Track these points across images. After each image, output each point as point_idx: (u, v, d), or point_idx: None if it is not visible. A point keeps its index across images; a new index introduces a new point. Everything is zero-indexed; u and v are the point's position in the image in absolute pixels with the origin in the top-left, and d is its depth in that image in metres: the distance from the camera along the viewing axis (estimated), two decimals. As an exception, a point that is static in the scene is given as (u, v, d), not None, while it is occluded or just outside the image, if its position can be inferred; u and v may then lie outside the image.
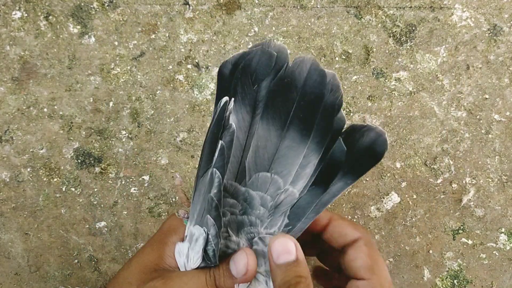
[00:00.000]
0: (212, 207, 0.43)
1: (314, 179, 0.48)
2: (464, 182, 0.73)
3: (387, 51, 0.74)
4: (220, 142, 0.41)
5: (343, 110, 0.74)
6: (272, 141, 0.47)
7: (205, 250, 0.45)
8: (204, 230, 0.45)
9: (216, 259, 0.45)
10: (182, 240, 0.50)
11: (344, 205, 0.75)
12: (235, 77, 0.46)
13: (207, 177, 0.43)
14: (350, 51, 0.74)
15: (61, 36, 0.75)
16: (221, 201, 0.43)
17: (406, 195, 0.74)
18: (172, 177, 0.73)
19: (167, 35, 0.75)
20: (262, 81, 0.46)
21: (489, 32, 0.73)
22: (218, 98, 0.47)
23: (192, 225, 0.48)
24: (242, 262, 0.45)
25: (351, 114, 0.74)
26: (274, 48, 0.46)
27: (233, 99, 0.42)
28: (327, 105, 0.46)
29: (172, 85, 0.74)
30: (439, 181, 0.74)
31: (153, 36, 0.75)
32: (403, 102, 0.74)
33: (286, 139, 0.47)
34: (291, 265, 0.44)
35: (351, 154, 0.47)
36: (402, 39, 0.74)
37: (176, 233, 0.51)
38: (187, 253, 0.47)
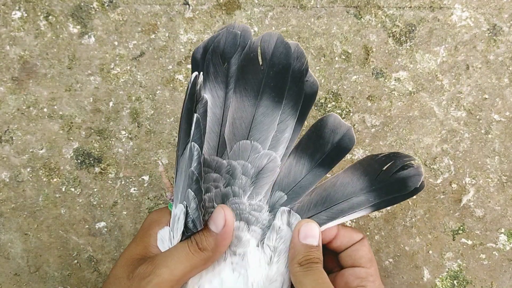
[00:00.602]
0: (193, 180, 0.44)
1: (320, 161, 0.52)
2: (463, 182, 0.73)
3: (386, 51, 0.74)
4: (195, 115, 0.43)
5: (343, 111, 0.74)
6: (247, 110, 0.50)
7: (186, 226, 0.47)
8: (184, 205, 0.46)
9: (197, 228, 0.47)
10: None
11: (343, 205, 0.75)
12: (206, 59, 0.49)
13: (187, 153, 0.44)
14: (350, 51, 0.74)
15: (61, 36, 0.75)
16: (202, 174, 0.44)
17: (406, 195, 0.74)
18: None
19: (167, 35, 0.75)
20: (230, 59, 0.50)
21: (488, 32, 0.73)
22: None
23: (175, 208, 0.49)
24: (219, 215, 0.47)
25: (351, 114, 0.74)
26: (238, 28, 0.50)
27: (202, 73, 0.44)
28: (294, 71, 0.49)
29: (172, 85, 0.74)
30: (438, 181, 0.74)
31: (153, 36, 0.75)
32: (403, 102, 0.74)
33: (261, 107, 0.50)
34: (313, 248, 0.48)
35: (386, 178, 0.51)
36: (401, 39, 0.74)
37: (158, 224, 0.52)
38: (169, 236, 0.49)
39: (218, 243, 0.47)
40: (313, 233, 0.48)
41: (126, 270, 0.49)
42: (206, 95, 0.48)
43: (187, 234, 0.48)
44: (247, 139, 0.50)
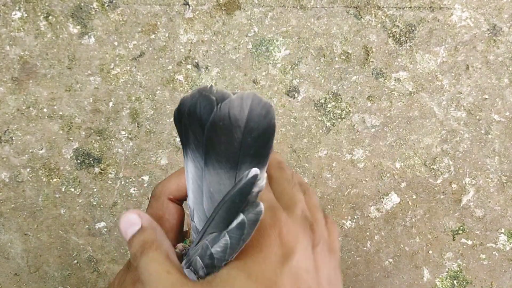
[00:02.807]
0: (206, 256, 0.41)
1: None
2: (463, 182, 0.73)
3: (386, 51, 0.74)
4: (243, 218, 0.39)
5: (343, 111, 0.74)
6: (225, 183, 0.45)
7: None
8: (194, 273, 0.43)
9: None
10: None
11: (343, 206, 0.75)
12: (184, 125, 0.44)
13: (217, 239, 0.41)
14: (350, 51, 0.74)
15: (61, 36, 0.75)
16: (221, 264, 0.42)
17: (406, 196, 0.74)
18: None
19: (167, 35, 0.75)
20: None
21: (488, 32, 0.73)
22: (183, 145, 0.46)
23: (184, 267, 0.46)
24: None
25: (351, 114, 0.74)
26: (214, 94, 0.42)
27: (265, 175, 0.39)
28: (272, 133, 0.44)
29: (171, 85, 0.74)
30: (438, 181, 0.74)
31: (153, 36, 0.75)
32: (403, 102, 0.74)
33: None
34: (136, 236, 0.42)
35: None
36: (401, 39, 0.74)
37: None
38: None
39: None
40: (130, 222, 0.43)
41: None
42: (189, 165, 0.45)
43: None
44: None
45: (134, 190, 0.74)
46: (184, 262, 0.45)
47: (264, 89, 0.74)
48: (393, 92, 0.74)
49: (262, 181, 0.38)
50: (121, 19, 0.75)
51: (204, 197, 0.45)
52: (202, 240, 0.43)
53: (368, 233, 0.74)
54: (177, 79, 0.74)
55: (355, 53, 0.74)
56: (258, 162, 0.43)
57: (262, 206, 0.39)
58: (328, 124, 0.74)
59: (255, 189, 0.38)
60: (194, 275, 0.43)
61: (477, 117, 0.74)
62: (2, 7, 0.75)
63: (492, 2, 0.73)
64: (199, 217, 0.45)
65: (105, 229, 0.74)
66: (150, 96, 0.74)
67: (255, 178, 0.38)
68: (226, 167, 0.44)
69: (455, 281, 0.73)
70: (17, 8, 0.75)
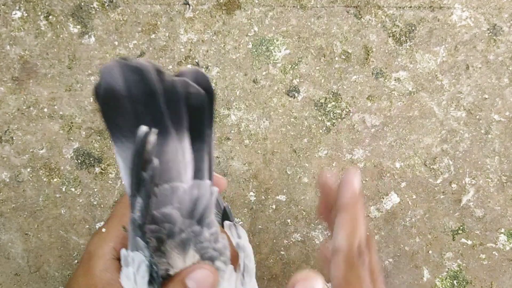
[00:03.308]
0: (136, 227, 0.41)
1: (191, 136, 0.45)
2: (463, 182, 0.73)
3: (386, 51, 0.74)
4: (143, 174, 0.39)
5: (343, 111, 0.74)
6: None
7: (151, 275, 0.43)
8: (142, 254, 0.43)
9: (159, 279, 0.43)
10: (109, 263, 0.47)
11: (343, 205, 0.75)
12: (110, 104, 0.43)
13: (135, 204, 0.41)
14: (350, 51, 0.74)
15: (61, 36, 0.75)
16: (145, 225, 0.41)
17: (406, 195, 0.74)
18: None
19: (167, 35, 0.75)
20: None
21: (488, 31, 0.73)
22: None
23: (130, 250, 0.45)
24: (207, 279, 0.42)
25: (351, 114, 0.74)
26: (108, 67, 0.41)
27: (155, 131, 0.38)
28: (168, 90, 0.43)
29: (172, 85, 0.75)
30: (438, 181, 0.74)
31: (153, 36, 0.75)
32: (403, 102, 0.74)
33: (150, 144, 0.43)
34: None
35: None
36: (401, 39, 0.74)
37: (98, 259, 0.47)
38: (134, 278, 0.46)
39: None
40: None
41: None
42: (116, 148, 0.42)
43: (152, 284, 0.43)
44: (161, 184, 0.45)
45: (134, 189, 0.74)
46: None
47: (264, 89, 0.75)
48: (393, 92, 0.74)
49: (153, 137, 0.38)
50: (121, 19, 0.75)
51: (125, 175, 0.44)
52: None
53: (368, 233, 0.74)
54: (177, 79, 0.75)
55: (355, 53, 0.74)
56: (154, 123, 0.41)
57: (156, 161, 0.38)
58: (328, 124, 0.74)
59: (148, 146, 0.37)
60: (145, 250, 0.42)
61: (477, 117, 0.74)
62: (2, 6, 0.75)
63: (492, 1, 0.73)
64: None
65: (106, 229, 0.74)
66: (150, 96, 0.74)
67: (145, 136, 0.37)
68: (131, 140, 0.42)
69: (455, 281, 0.73)
70: (17, 7, 0.75)
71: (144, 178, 0.38)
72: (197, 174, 0.45)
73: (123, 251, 0.45)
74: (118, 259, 0.46)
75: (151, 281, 0.43)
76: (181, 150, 0.44)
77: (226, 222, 0.51)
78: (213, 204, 0.46)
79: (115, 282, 0.45)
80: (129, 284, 0.45)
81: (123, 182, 0.43)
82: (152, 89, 0.40)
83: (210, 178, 0.46)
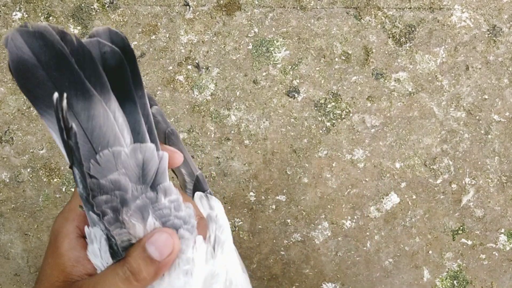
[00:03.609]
0: (85, 201, 0.40)
1: (119, 97, 0.44)
2: (463, 182, 0.73)
3: (386, 52, 0.74)
4: (69, 142, 0.37)
5: (343, 111, 0.74)
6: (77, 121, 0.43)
7: (111, 247, 0.42)
8: (99, 228, 0.42)
9: (120, 251, 0.42)
10: (75, 241, 0.46)
11: (343, 206, 0.75)
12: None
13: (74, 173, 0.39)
14: (350, 52, 0.74)
15: (61, 36, 0.75)
16: (89, 196, 0.40)
17: (406, 196, 0.74)
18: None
19: (167, 36, 0.75)
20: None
21: (488, 32, 0.74)
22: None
23: (91, 226, 0.44)
24: (166, 242, 0.41)
25: (351, 114, 0.74)
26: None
27: (65, 94, 0.36)
28: (78, 51, 0.41)
29: (172, 86, 0.75)
30: (438, 181, 0.74)
31: (153, 37, 0.75)
32: (403, 102, 0.74)
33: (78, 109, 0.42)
34: None
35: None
36: (401, 39, 0.74)
37: (65, 237, 0.46)
38: (100, 254, 0.44)
39: (158, 272, 0.42)
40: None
41: None
42: (47, 121, 0.41)
43: (115, 257, 0.43)
44: (101, 150, 0.43)
45: (134, 190, 0.74)
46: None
47: (265, 90, 0.75)
48: (393, 93, 0.74)
49: (64, 102, 0.36)
50: (121, 20, 0.75)
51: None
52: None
53: (368, 233, 0.74)
54: (177, 79, 0.75)
55: (355, 54, 0.74)
56: (73, 87, 0.40)
57: (73, 125, 0.36)
58: (328, 124, 0.74)
59: (63, 113, 0.36)
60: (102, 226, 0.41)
61: (477, 117, 0.74)
62: (3, 7, 0.75)
63: (492, 2, 0.73)
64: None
65: (106, 229, 0.74)
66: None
67: (58, 102, 0.36)
68: (50, 109, 0.41)
69: (455, 281, 0.73)
70: (17, 8, 0.75)
71: (71, 146, 0.37)
72: (137, 137, 0.44)
73: (86, 229, 0.44)
74: (84, 237, 0.45)
75: (113, 254, 0.42)
76: (110, 112, 0.42)
77: (197, 193, 0.50)
78: (165, 169, 0.44)
79: (82, 259, 0.45)
80: (97, 260, 0.45)
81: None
82: (59, 52, 0.39)
83: (153, 141, 0.44)
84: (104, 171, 0.42)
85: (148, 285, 0.42)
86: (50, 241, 0.46)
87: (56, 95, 0.35)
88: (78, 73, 0.40)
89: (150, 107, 0.45)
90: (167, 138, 0.50)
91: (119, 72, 0.42)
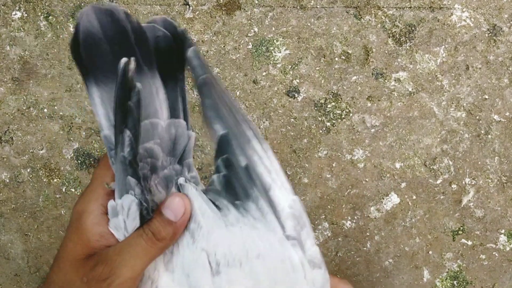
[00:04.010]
0: (126, 165, 0.43)
1: (164, 77, 0.49)
2: (463, 182, 0.73)
3: (386, 52, 0.74)
4: (128, 103, 0.41)
5: (343, 111, 0.74)
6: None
7: (141, 213, 0.46)
8: (132, 194, 0.45)
9: (150, 216, 0.46)
10: (99, 218, 0.49)
11: (343, 206, 0.75)
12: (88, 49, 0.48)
13: (123, 140, 0.43)
14: (350, 52, 0.74)
15: (61, 36, 0.75)
16: (136, 158, 0.43)
17: (406, 196, 0.74)
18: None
19: (166, 35, 0.75)
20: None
21: (488, 32, 0.73)
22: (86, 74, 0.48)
23: (119, 198, 0.48)
24: (179, 204, 0.46)
25: (351, 114, 0.74)
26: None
27: (133, 58, 0.41)
28: (136, 32, 0.46)
29: (171, 86, 0.75)
30: (438, 181, 0.74)
31: (153, 36, 0.75)
32: (403, 102, 0.74)
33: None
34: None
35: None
36: (401, 39, 0.74)
37: (89, 215, 0.50)
38: (125, 225, 0.48)
39: (176, 232, 0.47)
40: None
41: (75, 273, 0.47)
42: (94, 93, 0.47)
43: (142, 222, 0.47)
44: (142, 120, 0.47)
45: (134, 190, 0.74)
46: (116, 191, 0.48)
47: (264, 89, 0.75)
48: (393, 92, 0.74)
49: (133, 64, 0.40)
50: (121, 20, 0.75)
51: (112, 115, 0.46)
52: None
53: (368, 234, 0.74)
54: (177, 79, 0.75)
55: (355, 53, 0.74)
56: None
57: (139, 85, 0.41)
58: (328, 124, 0.74)
59: (129, 74, 0.40)
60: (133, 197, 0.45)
61: (477, 117, 0.74)
62: (2, 7, 0.75)
63: (492, 2, 0.73)
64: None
65: (105, 229, 0.74)
66: (150, 96, 0.74)
67: (126, 65, 0.40)
68: (112, 77, 0.45)
69: (455, 282, 0.73)
70: (17, 8, 0.75)
71: (131, 106, 0.40)
72: (173, 113, 0.49)
73: (110, 203, 0.47)
74: (107, 214, 0.48)
75: (141, 219, 0.46)
76: (154, 87, 0.47)
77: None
78: (191, 148, 0.49)
79: (106, 234, 0.48)
80: (119, 233, 0.47)
81: (103, 132, 0.46)
82: (123, 28, 0.44)
83: (186, 120, 0.49)
84: (143, 139, 0.46)
85: (170, 245, 0.47)
86: (72, 221, 0.49)
87: (125, 59, 0.39)
88: (134, 50, 0.45)
89: (188, 47, 0.48)
90: (199, 89, 0.51)
91: (168, 55, 0.48)
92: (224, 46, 0.74)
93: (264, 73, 0.75)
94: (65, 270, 0.47)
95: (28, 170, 0.75)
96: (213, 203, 0.48)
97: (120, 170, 0.45)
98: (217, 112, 0.47)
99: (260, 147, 0.50)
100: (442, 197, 0.74)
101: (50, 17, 0.75)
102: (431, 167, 0.74)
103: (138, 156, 0.46)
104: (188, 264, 0.47)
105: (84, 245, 0.48)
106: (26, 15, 0.75)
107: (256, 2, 0.74)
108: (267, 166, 0.49)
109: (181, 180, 0.49)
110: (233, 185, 0.48)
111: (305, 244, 0.48)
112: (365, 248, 0.75)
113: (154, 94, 0.48)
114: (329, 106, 0.74)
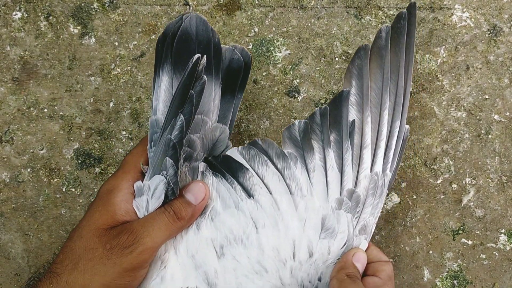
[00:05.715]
0: (170, 147, 0.48)
1: (225, 89, 0.58)
2: (464, 182, 0.74)
3: (387, 52, 0.74)
4: (191, 91, 0.47)
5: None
6: None
7: (166, 192, 0.51)
8: (163, 175, 0.50)
9: (175, 196, 0.52)
10: (127, 196, 0.54)
11: (344, 206, 0.75)
12: (167, 44, 0.57)
13: (174, 123, 0.49)
14: (350, 52, 0.74)
15: (61, 36, 0.75)
16: (182, 143, 0.49)
17: (406, 196, 0.74)
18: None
19: (167, 35, 0.75)
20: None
21: (489, 32, 0.73)
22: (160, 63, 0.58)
23: (148, 180, 0.52)
24: (200, 189, 0.52)
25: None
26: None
27: (205, 55, 0.49)
28: (216, 45, 0.56)
29: (172, 86, 0.75)
30: (439, 181, 0.74)
31: (153, 36, 0.75)
32: (403, 102, 0.74)
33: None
34: (359, 269, 0.56)
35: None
36: (402, 39, 0.74)
37: (119, 191, 0.54)
38: (146, 205, 0.52)
39: (194, 214, 0.52)
40: (363, 262, 0.55)
41: (98, 240, 0.50)
42: (163, 80, 0.55)
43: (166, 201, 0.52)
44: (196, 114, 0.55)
45: (134, 190, 0.74)
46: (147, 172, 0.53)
47: (265, 89, 0.75)
48: (393, 92, 0.74)
49: (204, 59, 0.48)
50: (121, 20, 0.75)
51: (171, 102, 0.53)
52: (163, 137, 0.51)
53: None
54: (177, 79, 0.75)
55: (355, 53, 0.74)
56: (206, 68, 0.53)
57: (205, 77, 0.48)
58: (329, 124, 0.74)
59: (200, 67, 0.47)
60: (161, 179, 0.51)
61: (478, 117, 0.74)
62: (3, 7, 0.75)
63: (492, 2, 0.73)
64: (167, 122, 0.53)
65: (106, 229, 0.74)
66: (151, 96, 0.74)
67: (198, 59, 0.47)
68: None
69: (455, 281, 0.73)
70: (17, 8, 0.75)
71: (192, 94, 0.47)
72: (222, 120, 0.57)
73: (137, 183, 0.53)
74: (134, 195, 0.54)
75: (165, 198, 0.51)
76: (213, 92, 0.56)
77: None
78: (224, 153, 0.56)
79: (131, 212, 0.53)
80: (140, 213, 0.52)
81: (155, 116, 0.54)
82: (210, 38, 0.55)
83: (230, 128, 0.58)
84: (191, 129, 0.53)
85: (187, 226, 0.52)
86: (100, 196, 0.55)
87: (199, 54, 0.48)
88: (211, 56, 0.55)
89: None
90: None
91: (235, 75, 0.58)
92: (224, 46, 0.74)
93: (264, 73, 0.75)
94: (87, 237, 0.51)
95: (28, 170, 0.75)
96: (245, 189, 0.54)
97: (161, 151, 0.50)
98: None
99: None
100: (442, 196, 0.74)
101: (51, 18, 0.75)
102: (432, 167, 0.74)
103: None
104: (195, 247, 0.52)
105: (110, 216, 0.52)
106: (26, 15, 0.75)
107: (257, 2, 0.74)
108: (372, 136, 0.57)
109: (202, 167, 0.55)
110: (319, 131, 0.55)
111: (364, 211, 0.55)
112: (365, 248, 0.75)
113: (212, 97, 0.55)
114: (329, 106, 0.74)
